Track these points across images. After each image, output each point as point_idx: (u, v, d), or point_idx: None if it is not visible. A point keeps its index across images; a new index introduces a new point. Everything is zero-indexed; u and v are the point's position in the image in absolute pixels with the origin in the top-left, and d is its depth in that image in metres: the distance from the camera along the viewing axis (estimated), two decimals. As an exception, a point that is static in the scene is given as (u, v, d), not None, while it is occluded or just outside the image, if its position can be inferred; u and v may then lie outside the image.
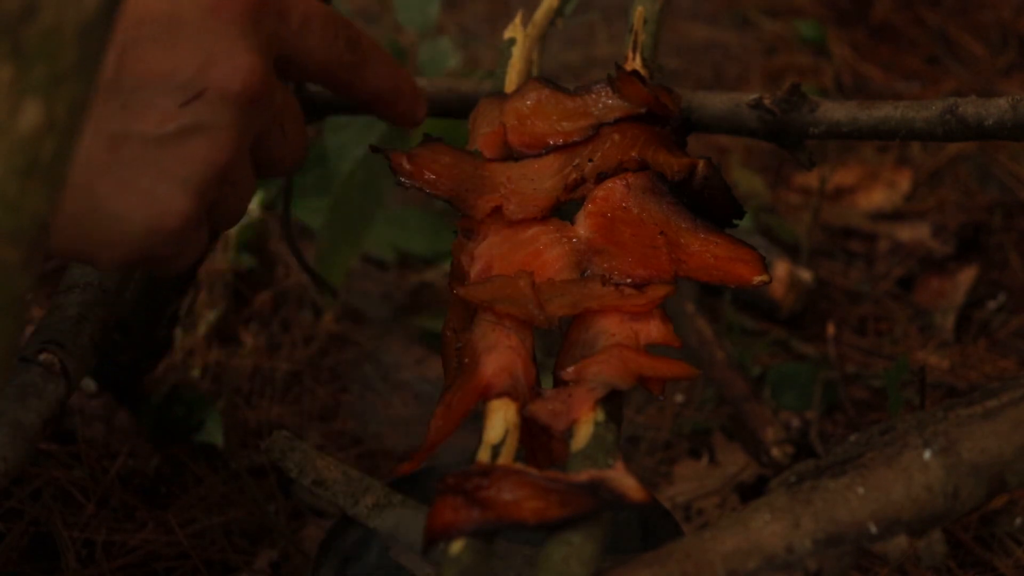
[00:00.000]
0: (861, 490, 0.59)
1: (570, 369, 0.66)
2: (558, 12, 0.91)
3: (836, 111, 0.83)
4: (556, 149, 0.78)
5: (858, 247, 1.46)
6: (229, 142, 0.63)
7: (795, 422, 1.15)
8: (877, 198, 1.53)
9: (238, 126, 0.63)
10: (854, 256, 1.45)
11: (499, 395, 0.64)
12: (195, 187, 0.62)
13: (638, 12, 0.86)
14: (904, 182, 1.56)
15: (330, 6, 0.72)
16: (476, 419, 0.65)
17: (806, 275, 1.33)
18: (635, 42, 0.85)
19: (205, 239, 0.67)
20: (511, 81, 0.84)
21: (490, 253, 0.73)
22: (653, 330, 0.68)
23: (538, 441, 0.66)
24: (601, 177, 0.75)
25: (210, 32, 0.63)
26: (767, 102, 0.84)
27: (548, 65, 0.90)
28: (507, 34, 0.88)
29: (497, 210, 0.74)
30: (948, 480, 0.60)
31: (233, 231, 1.25)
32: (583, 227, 0.74)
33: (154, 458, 1.07)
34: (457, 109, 0.91)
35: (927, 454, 0.60)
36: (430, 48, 1.35)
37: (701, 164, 0.74)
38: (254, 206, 1.30)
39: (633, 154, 0.76)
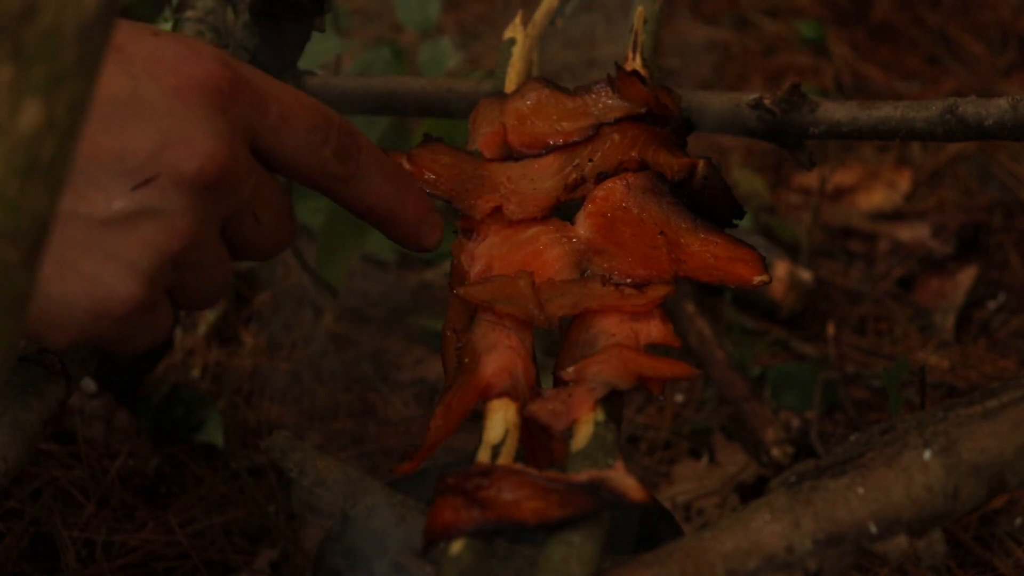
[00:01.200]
0: (861, 490, 0.59)
1: (570, 369, 0.66)
2: (558, 12, 0.91)
3: (836, 111, 0.83)
4: (556, 149, 0.78)
5: (858, 247, 1.46)
6: (182, 229, 0.60)
7: (795, 422, 1.15)
8: (877, 198, 1.53)
9: (193, 212, 0.60)
10: (854, 256, 1.45)
11: (499, 395, 0.64)
12: (143, 273, 0.60)
13: (638, 12, 0.86)
14: (904, 182, 1.56)
15: (328, 109, 0.67)
16: (476, 419, 0.65)
17: (806, 275, 1.33)
18: (635, 42, 0.85)
19: (165, 322, 0.64)
20: (511, 81, 0.84)
21: (490, 253, 0.73)
22: (653, 330, 0.68)
23: (538, 441, 0.66)
24: (601, 177, 0.75)
25: (171, 114, 0.60)
26: (767, 102, 0.84)
27: (548, 65, 0.90)
28: (507, 34, 0.88)
29: (497, 210, 0.74)
30: (948, 480, 0.60)
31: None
32: (583, 227, 0.74)
33: (154, 458, 1.07)
34: (457, 109, 0.91)
35: (927, 454, 0.60)
36: (430, 48, 1.35)
37: (701, 164, 0.74)
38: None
39: (633, 154, 0.76)
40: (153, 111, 0.60)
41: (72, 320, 0.60)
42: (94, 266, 0.59)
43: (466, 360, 0.67)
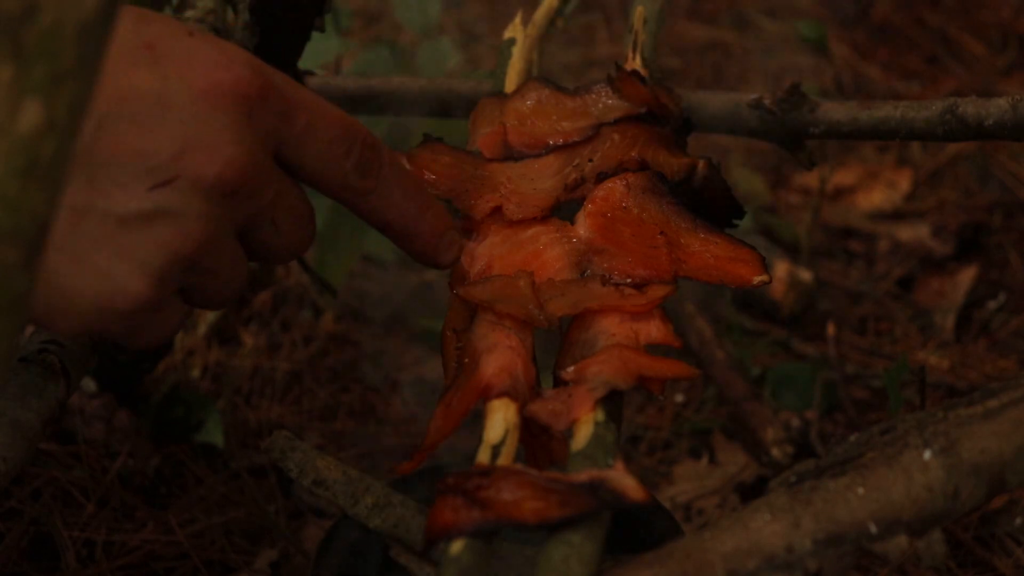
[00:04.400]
0: (861, 490, 0.59)
1: (570, 369, 0.66)
2: (558, 12, 0.91)
3: (836, 111, 0.83)
4: (556, 149, 0.78)
5: (858, 247, 1.46)
6: (196, 232, 0.60)
7: (795, 422, 1.15)
8: (877, 198, 1.53)
9: (209, 217, 0.61)
10: (854, 256, 1.45)
11: (499, 395, 0.64)
12: (154, 272, 0.60)
13: (638, 12, 0.86)
14: (904, 182, 1.56)
15: (353, 122, 0.67)
16: (476, 419, 0.65)
17: (806, 275, 1.33)
18: (635, 42, 0.85)
19: (175, 320, 0.64)
20: (511, 81, 0.84)
21: (490, 253, 0.73)
22: (653, 330, 0.68)
23: (538, 441, 0.66)
24: (601, 177, 0.75)
25: (195, 117, 0.60)
26: (767, 102, 0.84)
27: (548, 65, 0.90)
28: (507, 34, 0.88)
29: (497, 210, 0.74)
30: (948, 480, 0.60)
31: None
32: (583, 227, 0.74)
33: (154, 458, 1.07)
34: (457, 109, 0.91)
35: (927, 454, 0.60)
36: (430, 48, 1.35)
37: (701, 164, 0.74)
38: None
39: (633, 154, 0.76)
40: (179, 113, 0.60)
41: (78, 311, 0.60)
42: (106, 261, 0.59)
43: (466, 360, 0.67)
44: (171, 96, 0.60)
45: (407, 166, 0.73)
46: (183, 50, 0.61)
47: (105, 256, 0.59)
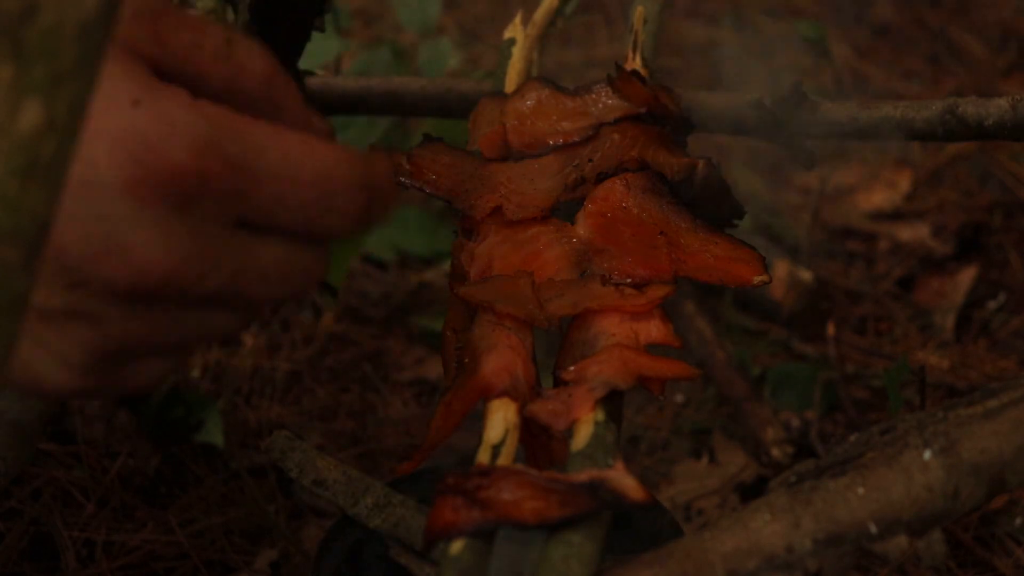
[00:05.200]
0: (861, 490, 0.59)
1: (570, 369, 0.66)
2: (558, 12, 0.91)
3: (836, 111, 0.83)
4: (556, 149, 0.78)
5: (858, 247, 1.46)
6: (115, 333, 0.55)
7: (795, 422, 1.15)
8: (877, 198, 1.53)
9: (129, 318, 0.55)
10: (854, 256, 1.45)
11: (499, 395, 0.64)
12: (75, 366, 0.55)
13: (638, 12, 0.86)
14: (904, 182, 1.56)
15: (334, 165, 0.57)
16: (476, 419, 0.65)
17: (806, 275, 1.33)
18: (635, 42, 0.85)
19: (139, 378, 0.58)
20: (511, 81, 0.84)
21: (490, 253, 0.73)
22: (653, 330, 0.68)
23: (538, 441, 0.66)
24: (601, 177, 0.75)
25: (114, 215, 0.52)
26: (767, 102, 0.84)
27: (548, 65, 0.90)
28: (507, 34, 0.88)
29: (497, 210, 0.74)
30: (948, 480, 0.60)
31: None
32: (583, 227, 0.74)
33: (154, 458, 1.07)
34: (457, 109, 0.91)
35: (927, 454, 0.60)
36: (430, 48, 1.35)
37: (701, 164, 0.74)
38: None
39: (633, 154, 0.76)
40: (98, 207, 0.52)
41: (15, 386, 0.58)
42: (27, 351, 0.55)
43: (466, 360, 0.67)
44: (95, 185, 0.52)
45: (406, 165, 0.68)
46: (119, 128, 0.53)
47: (27, 346, 0.55)
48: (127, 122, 0.53)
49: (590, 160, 0.77)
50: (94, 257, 0.53)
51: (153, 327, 0.56)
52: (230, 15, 0.95)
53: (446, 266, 1.33)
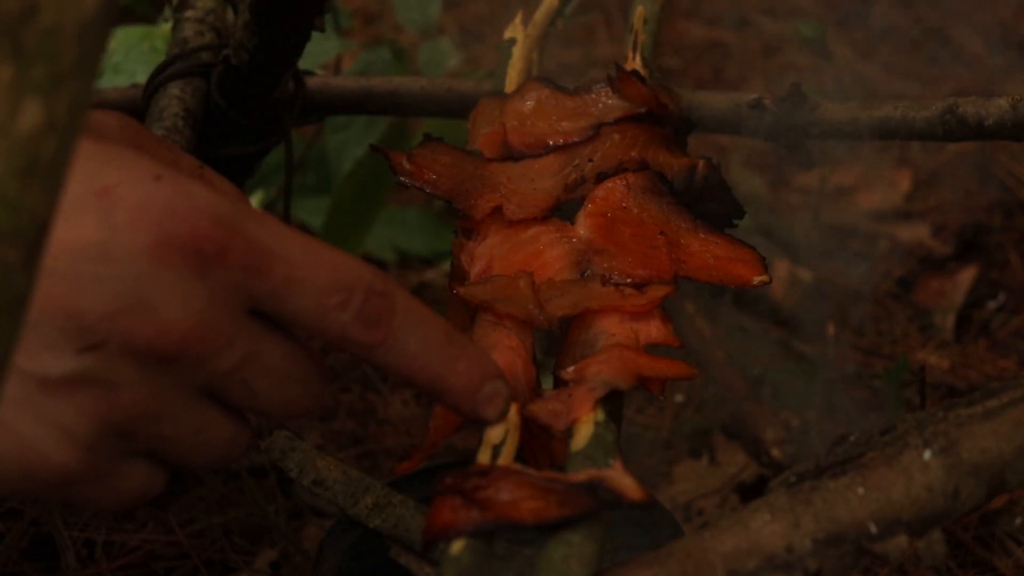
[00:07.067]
0: (861, 490, 0.59)
1: (570, 369, 0.66)
2: (558, 12, 0.91)
3: (836, 111, 0.83)
4: (556, 149, 0.78)
5: (858, 247, 1.46)
6: (127, 401, 0.54)
7: (795, 422, 1.15)
8: (877, 198, 1.53)
9: (143, 385, 0.55)
10: (854, 256, 1.45)
11: (499, 395, 0.64)
12: (79, 441, 0.54)
13: (638, 12, 0.86)
14: (904, 182, 1.56)
15: (355, 267, 0.58)
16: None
17: (806, 275, 1.33)
18: (635, 42, 0.85)
19: (136, 486, 0.58)
20: (511, 81, 0.84)
21: (490, 253, 0.73)
22: (653, 330, 0.68)
23: (538, 441, 0.66)
24: (601, 177, 0.75)
25: (137, 276, 0.54)
26: (767, 102, 0.84)
27: (548, 65, 0.90)
28: (507, 34, 0.88)
29: (497, 210, 0.74)
30: (948, 480, 0.60)
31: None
32: (583, 227, 0.74)
33: (154, 458, 1.07)
34: (457, 109, 0.91)
35: (927, 454, 0.60)
36: (430, 48, 1.36)
37: (701, 164, 0.74)
38: (255, 205, 1.30)
39: (633, 154, 0.76)
40: (120, 269, 0.54)
41: (4, 477, 0.55)
42: (27, 427, 0.54)
43: (466, 360, 0.67)
44: (115, 250, 0.54)
45: (431, 314, 0.62)
46: (140, 197, 0.54)
47: (27, 421, 0.54)
48: (150, 192, 0.55)
49: (590, 160, 0.77)
50: (115, 315, 0.53)
51: (162, 403, 0.56)
52: (230, 15, 0.95)
53: (446, 266, 1.33)
